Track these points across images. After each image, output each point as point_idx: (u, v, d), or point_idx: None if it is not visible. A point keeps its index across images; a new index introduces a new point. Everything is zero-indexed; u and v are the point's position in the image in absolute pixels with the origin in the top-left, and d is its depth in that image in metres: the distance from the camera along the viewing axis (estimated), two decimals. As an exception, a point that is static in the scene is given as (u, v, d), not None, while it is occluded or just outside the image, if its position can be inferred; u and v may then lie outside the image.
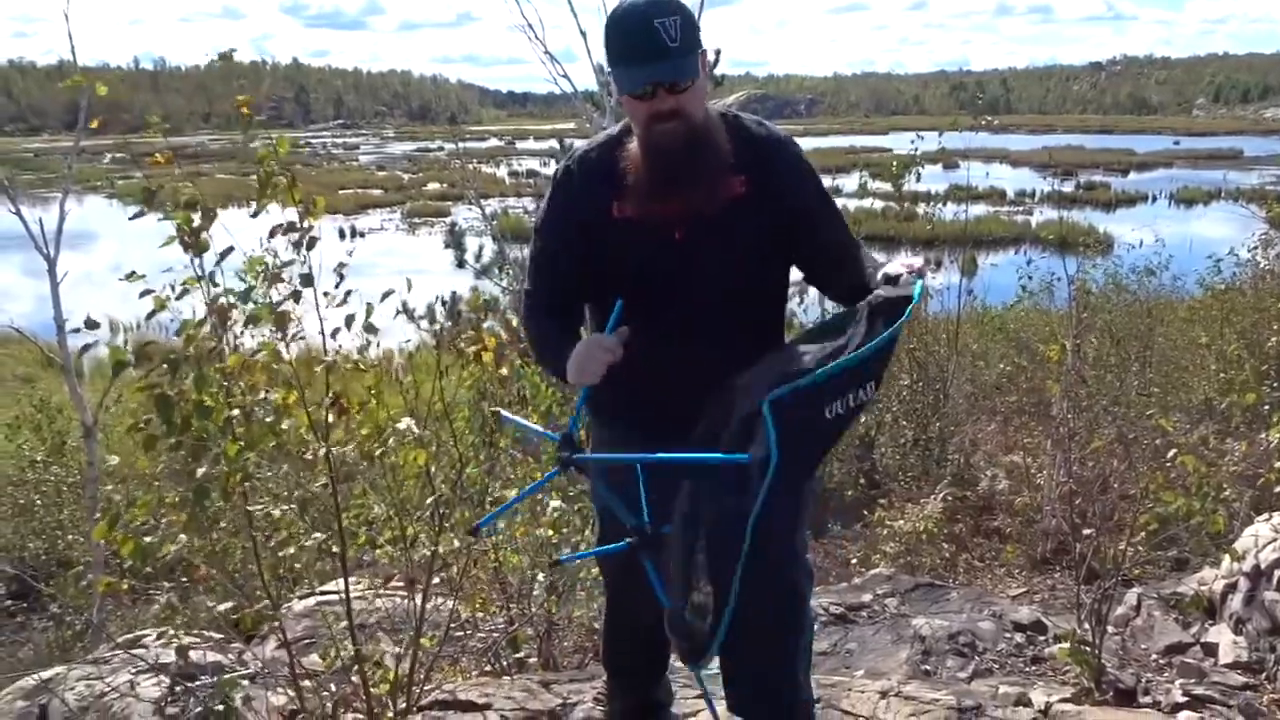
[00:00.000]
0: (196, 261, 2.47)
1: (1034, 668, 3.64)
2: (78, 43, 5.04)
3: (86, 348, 2.47)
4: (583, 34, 6.04)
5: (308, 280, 2.55)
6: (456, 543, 2.97)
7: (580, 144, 2.18)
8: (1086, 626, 3.41)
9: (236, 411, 2.40)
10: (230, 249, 2.53)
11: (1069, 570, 4.66)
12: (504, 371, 3.17)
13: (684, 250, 2.01)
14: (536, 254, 2.18)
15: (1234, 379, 6.51)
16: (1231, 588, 3.69)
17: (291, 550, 2.59)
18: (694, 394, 1.99)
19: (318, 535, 2.61)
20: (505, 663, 3.44)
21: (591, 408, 2.27)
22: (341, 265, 2.66)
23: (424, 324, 8.94)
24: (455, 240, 10.17)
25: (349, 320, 2.62)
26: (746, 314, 2.08)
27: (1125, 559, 3.59)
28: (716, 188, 1.97)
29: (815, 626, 2.38)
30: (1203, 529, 3.20)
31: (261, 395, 2.48)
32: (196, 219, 2.45)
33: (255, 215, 2.54)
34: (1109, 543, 3.78)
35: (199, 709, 2.66)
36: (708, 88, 2.01)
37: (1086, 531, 3.91)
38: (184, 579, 2.66)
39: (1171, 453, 3.35)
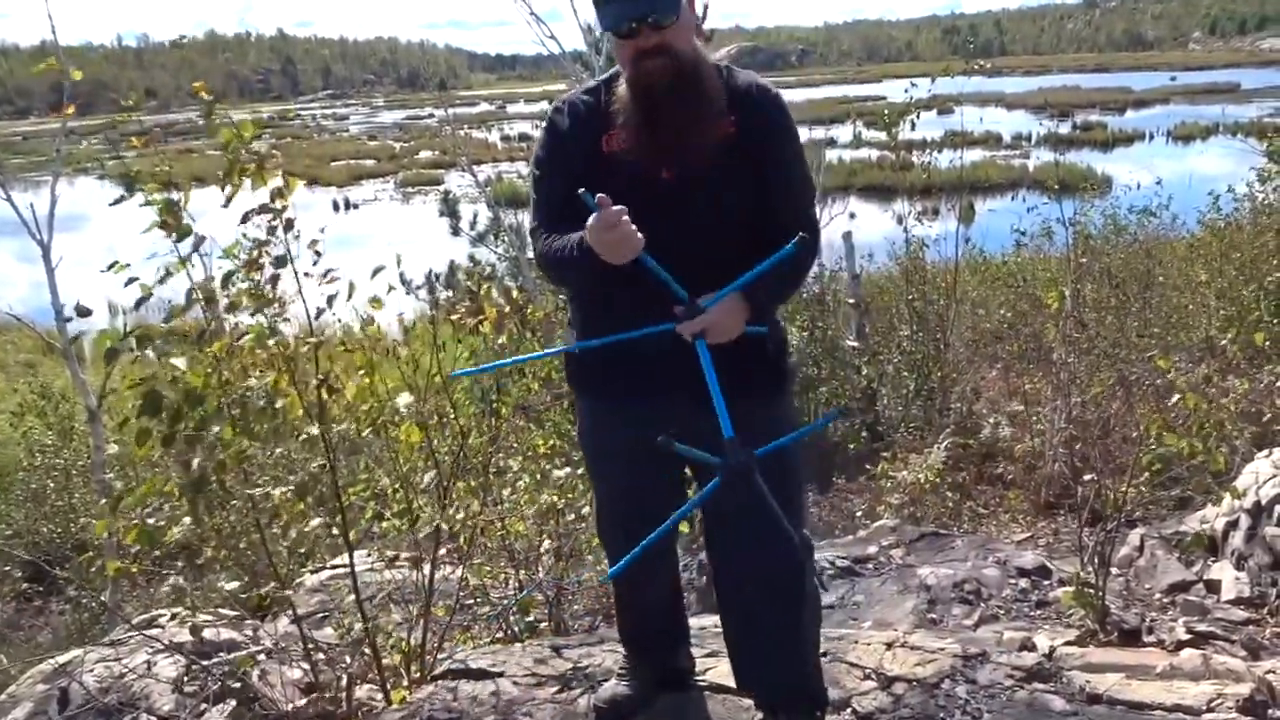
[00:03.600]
0: (180, 245, 2.45)
1: (1039, 612, 3.68)
2: (58, 22, 4.98)
3: (77, 336, 2.46)
4: (567, -7, 5.96)
5: (281, 261, 2.53)
6: (460, 514, 2.99)
7: (569, 92, 2.16)
8: (1090, 569, 3.44)
9: (231, 398, 2.39)
10: (203, 239, 2.49)
11: (1072, 514, 4.69)
12: (503, 340, 3.17)
13: (672, 190, 1.96)
14: (537, 188, 2.12)
15: (1234, 315, 6.49)
16: (1233, 525, 3.72)
17: (294, 533, 2.60)
18: (680, 344, 1.93)
19: (316, 520, 2.61)
20: (517, 629, 3.48)
21: (575, 382, 2.22)
22: (315, 242, 2.61)
23: (421, 294, 8.94)
24: (450, 208, 10.12)
25: (331, 300, 2.59)
26: (732, 261, 1.93)
27: (1127, 501, 3.61)
28: (705, 125, 1.94)
29: (823, 581, 2.35)
30: (1204, 468, 3.21)
31: (251, 380, 2.47)
32: (175, 197, 2.43)
33: (226, 205, 2.49)
34: (1111, 485, 3.80)
35: (216, 686, 2.71)
36: (694, 27, 1.97)
37: (1088, 475, 3.93)
38: (193, 560, 2.69)
39: (1176, 398, 3.35)
